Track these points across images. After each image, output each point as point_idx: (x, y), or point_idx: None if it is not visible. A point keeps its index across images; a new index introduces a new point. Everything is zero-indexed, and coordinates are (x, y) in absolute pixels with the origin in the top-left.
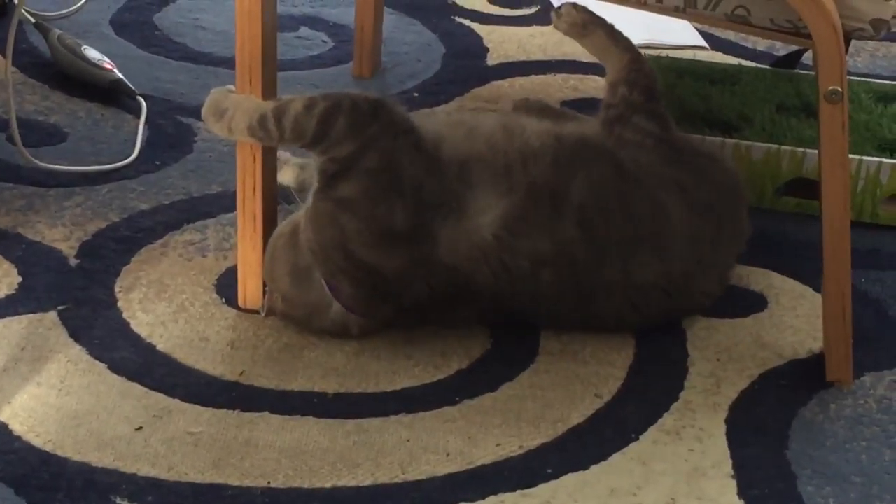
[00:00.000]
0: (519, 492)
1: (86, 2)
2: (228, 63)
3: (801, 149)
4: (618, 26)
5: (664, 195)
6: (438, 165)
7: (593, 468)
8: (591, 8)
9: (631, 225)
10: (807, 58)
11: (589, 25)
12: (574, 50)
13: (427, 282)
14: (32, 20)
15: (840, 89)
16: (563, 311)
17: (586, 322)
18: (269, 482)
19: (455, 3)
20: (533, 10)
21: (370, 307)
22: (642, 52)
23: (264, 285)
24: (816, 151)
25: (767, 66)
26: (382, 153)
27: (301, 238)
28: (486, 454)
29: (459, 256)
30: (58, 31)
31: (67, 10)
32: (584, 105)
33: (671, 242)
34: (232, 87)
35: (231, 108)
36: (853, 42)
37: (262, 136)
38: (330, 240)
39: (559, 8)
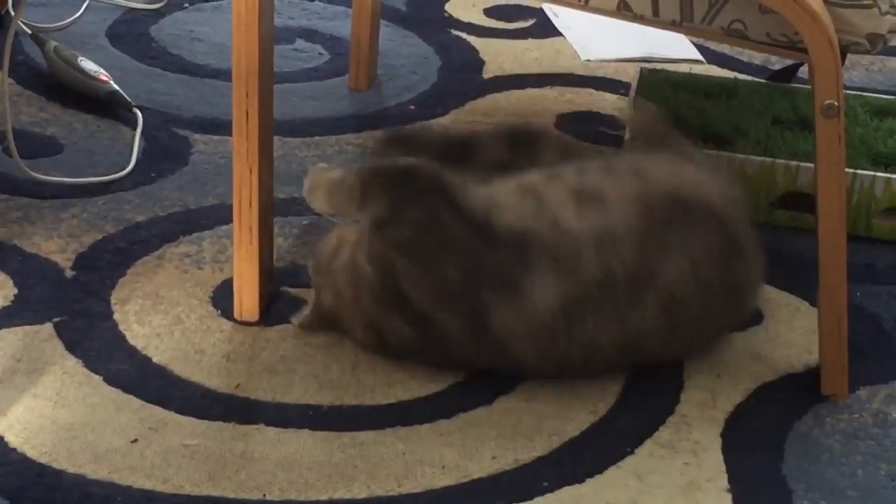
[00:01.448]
0: None
1: (82, 13)
2: (225, 75)
3: (795, 162)
4: (616, 40)
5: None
6: (491, 233)
7: (589, 482)
8: (589, 22)
9: (726, 308)
10: (802, 72)
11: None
12: (570, 63)
13: (477, 355)
14: (29, 32)
15: (836, 103)
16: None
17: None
18: (264, 495)
19: (451, 16)
20: (529, 22)
21: (418, 349)
22: (641, 65)
23: (261, 298)
24: (811, 165)
25: (763, 80)
26: (423, 209)
27: (360, 275)
28: (481, 467)
29: (510, 333)
30: (54, 43)
31: (64, 22)
32: (580, 119)
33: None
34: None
35: (317, 184)
36: (849, 56)
37: (336, 203)
38: (386, 278)
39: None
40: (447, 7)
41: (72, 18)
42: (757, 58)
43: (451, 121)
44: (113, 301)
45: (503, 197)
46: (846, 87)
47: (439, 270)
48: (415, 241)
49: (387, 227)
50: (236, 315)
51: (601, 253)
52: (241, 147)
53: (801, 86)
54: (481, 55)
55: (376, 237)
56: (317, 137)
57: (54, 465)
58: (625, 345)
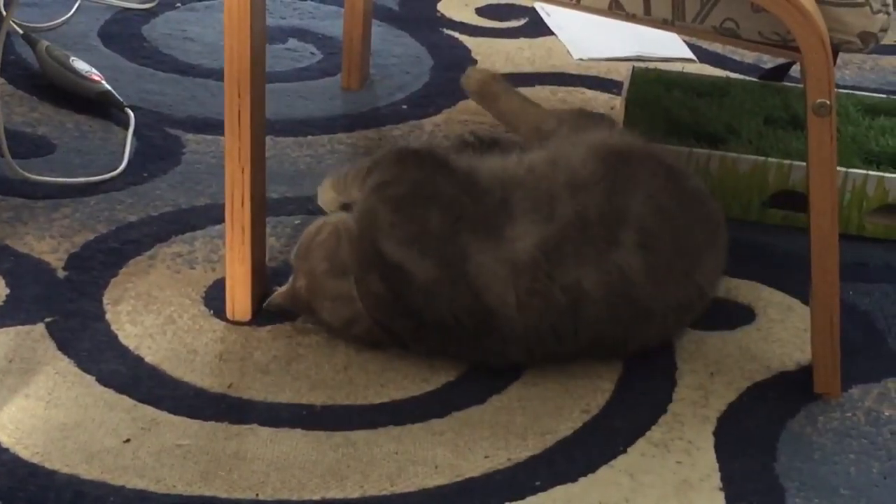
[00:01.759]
0: None
1: (74, 13)
2: (217, 75)
3: (787, 161)
4: (608, 39)
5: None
6: (477, 188)
7: (581, 481)
8: (581, 21)
9: (696, 228)
10: (794, 70)
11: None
12: (563, 62)
13: (452, 305)
14: (20, 31)
15: (828, 102)
16: (604, 341)
17: (624, 347)
18: (257, 494)
19: (443, 15)
20: (521, 21)
21: (391, 313)
22: (633, 64)
23: (253, 298)
24: (803, 164)
25: (755, 79)
26: (424, 170)
27: (342, 230)
28: (474, 467)
29: (489, 281)
30: (46, 43)
31: (55, 22)
32: None
33: (722, 240)
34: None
35: (327, 177)
36: (841, 55)
37: (339, 186)
38: (367, 231)
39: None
40: (439, 6)
41: (64, 18)
42: (749, 56)
43: (444, 120)
44: (105, 301)
45: (490, 160)
46: (838, 86)
47: (421, 220)
48: (406, 196)
49: (386, 187)
50: (229, 315)
51: (574, 196)
52: (234, 146)
53: (794, 84)
54: (473, 54)
55: (371, 195)
56: (309, 137)
57: (47, 465)
58: (610, 289)
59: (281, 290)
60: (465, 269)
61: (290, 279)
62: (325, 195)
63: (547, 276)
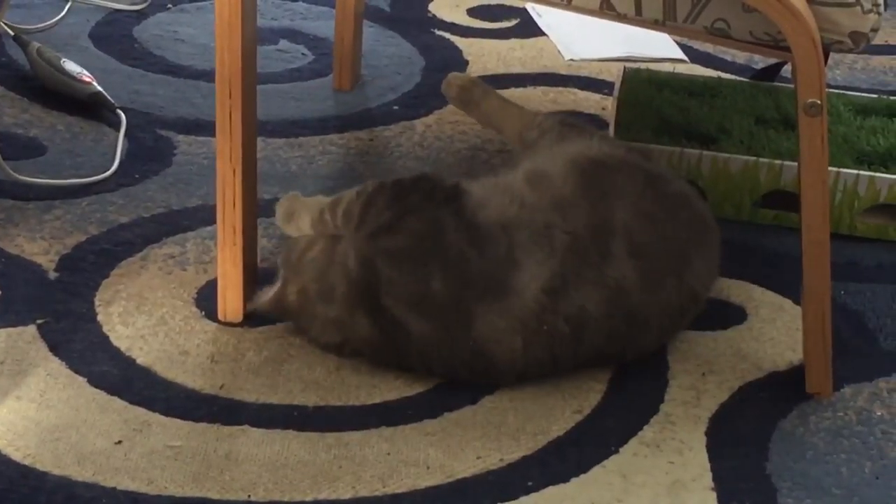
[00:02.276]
0: None
1: (65, 15)
2: (208, 76)
3: (778, 161)
4: (599, 39)
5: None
6: (483, 238)
7: (573, 481)
8: (572, 22)
9: (683, 230)
10: (786, 70)
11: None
12: (554, 63)
13: (449, 358)
14: (11, 33)
15: (819, 102)
16: (602, 356)
17: (622, 358)
18: (249, 496)
19: (434, 16)
20: (512, 22)
21: (380, 353)
22: (624, 64)
23: (245, 298)
24: (794, 164)
25: (746, 79)
26: (425, 217)
27: (339, 259)
28: (466, 467)
29: (495, 337)
30: (37, 44)
31: (47, 24)
32: None
33: (712, 241)
34: (298, 193)
35: (298, 210)
36: (832, 55)
37: (321, 227)
38: (365, 278)
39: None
40: (431, 7)
41: (55, 20)
42: (740, 57)
43: (435, 121)
44: (97, 302)
45: (482, 193)
46: (829, 86)
47: (424, 280)
48: (407, 250)
49: (384, 235)
50: (220, 316)
51: (565, 217)
52: (225, 148)
53: (785, 84)
54: (465, 55)
55: (369, 244)
56: (300, 138)
57: (38, 466)
58: (609, 304)
59: (267, 295)
60: (468, 332)
61: (278, 285)
62: (295, 229)
63: (552, 313)
